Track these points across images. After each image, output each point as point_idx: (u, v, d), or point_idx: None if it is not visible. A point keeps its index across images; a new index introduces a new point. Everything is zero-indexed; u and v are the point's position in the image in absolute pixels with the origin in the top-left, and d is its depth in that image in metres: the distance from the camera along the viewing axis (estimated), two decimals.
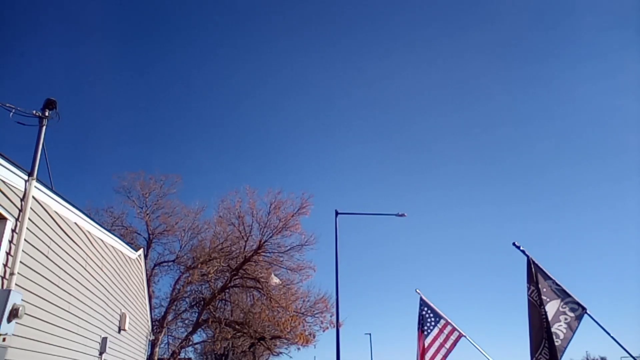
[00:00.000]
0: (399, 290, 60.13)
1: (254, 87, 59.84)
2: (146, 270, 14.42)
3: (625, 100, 54.91)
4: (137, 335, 12.31)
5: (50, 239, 6.29)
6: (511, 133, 64.94)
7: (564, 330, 7.00)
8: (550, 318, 7.06)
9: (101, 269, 8.63)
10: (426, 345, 10.23)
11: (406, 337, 67.64)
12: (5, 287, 5.05)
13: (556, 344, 6.89)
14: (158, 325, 19.67)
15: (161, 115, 52.79)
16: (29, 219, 5.54)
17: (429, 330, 10.38)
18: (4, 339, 4.89)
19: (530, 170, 66.50)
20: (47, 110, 6.21)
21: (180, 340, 21.56)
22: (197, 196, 35.36)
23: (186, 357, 27.68)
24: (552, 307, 7.14)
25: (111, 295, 9.40)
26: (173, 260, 22.25)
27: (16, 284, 5.21)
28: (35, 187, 5.68)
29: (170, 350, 21.58)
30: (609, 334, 6.82)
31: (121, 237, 11.55)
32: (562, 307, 7.13)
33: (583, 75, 61.33)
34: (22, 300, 5.09)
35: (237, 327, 21.17)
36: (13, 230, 5.26)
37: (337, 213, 15.50)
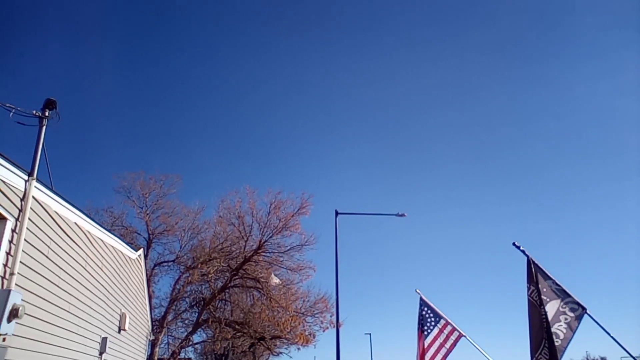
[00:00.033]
0: (399, 290, 60.20)
1: (254, 87, 59.90)
2: (146, 270, 14.42)
3: (625, 100, 54.99)
4: (137, 335, 12.31)
5: (50, 239, 6.29)
6: (511, 133, 65.02)
7: (564, 330, 7.00)
8: (550, 318, 7.06)
9: (101, 269, 8.63)
10: (426, 345, 10.23)
11: (406, 337, 67.71)
12: (5, 287, 5.05)
13: (556, 344, 6.89)
14: (158, 325, 19.67)
15: (161, 115, 52.85)
16: (29, 219, 5.54)
17: (429, 330, 10.38)
18: (4, 339, 4.89)
19: (530, 170, 66.58)
20: (47, 110, 6.21)
21: (180, 340, 21.56)
22: (197, 196, 35.36)
23: (186, 357, 27.68)
24: (552, 307, 7.15)
25: (111, 295, 9.40)
26: (173, 260, 22.26)
27: (16, 284, 5.21)
28: (35, 187, 5.68)
29: (170, 350, 21.59)
30: (609, 334, 6.83)
31: (121, 237, 11.55)
32: (562, 307, 7.13)
33: (583, 75, 61.39)
34: (22, 300, 5.09)
35: (237, 327, 21.17)
36: (13, 230, 5.26)
37: (337, 213, 15.50)
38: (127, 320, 10.53)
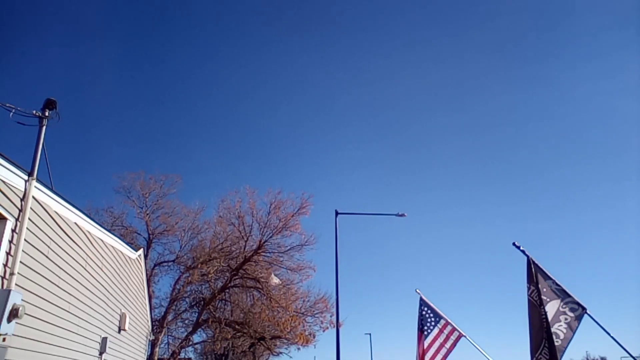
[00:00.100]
0: (399, 290, 60.16)
1: (254, 87, 59.91)
2: (146, 270, 14.42)
3: (625, 100, 54.99)
4: (137, 335, 12.31)
5: (50, 239, 6.29)
6: (511, 133, 65.01)
7: (564, 330, 7.00)
8: (550, 318, 7.06)
9: (101, 269, 8.63)
10: (426, 345, 10.23)
11: (406, 337, 67.69)
12: (5, 287, 5.05)
13: (556, 344, 6.89)
14: (158, 325, 19.67)
15: (161, 115, 52.87)
16: (29, 219, 5.54)
17: (429, 330, 10.38)
18: (4, 339, 4.89)
19: (530, 170, 66.58)
20: (47, 110, 6.21)
21: (180, 340, 21.56)
22: (197, 196, 35.35)
23: (186, 357, 27.68)
24: (552, 307, 7.14)
25: (111, 295, 9.40)
26: (173, 260, 22.26)
27: (16, 284, 5.21)
28: (35, 187, 5.68)
29: (170, 350, 21.59)
30: (609, 334, 6.83)
31: (121, 237, 11.55)
32: (562, 307, 7.13)
33: (583, 75, 61.42)
34: (22, 300, 5.09)
35: (237, 327, 21.17)
36: (13, 230, 5.26)
37: (337, 213, 15.50)
38: (127, 320, 10.53)
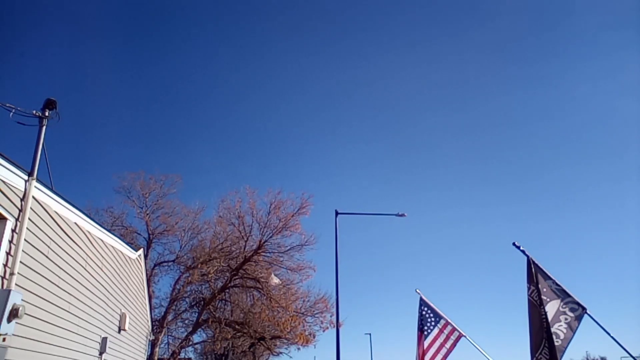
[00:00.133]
0: (399, 290, 60.13)
1: (254, 87, 59.86)
2: (146, 270, 14.42)
3: (625, 100, 54.97)
4: (137, 335, 12.31)
5: (50, 239, 6.29)
6: (511, 133, 64.98)
7: (564, 331, 7.00)
8: (550, 318, 7.06)
9: (101, 269, 8.63)
10: (426, 345, 10.23)
11: (406, 337, 67.72)
12: (5, 287, 5.05)
13: (556, 344, 6.89)
14: (158, 325, 19.67)
15: (161, 115, 52.78)
16: (29, 219, 5.54)
17: (429, 330, 10.38)
18: (4, 339, 4.89)
19: (530, 170, 66.51)
20: (47, 110, 6.21)
21: (180, 340, 21.56)
22: (197, 196, 35.35)
23: (186, 357, 27.68)
24: (552, 307, 7.15)
25: (111, 295, 9.40)
26: (173, 260, 22.27)
27: (16, 284, 5.21)
28: (35, 187, 5.68)
29: (170, 350, 21.59)
30: (609, 334, 6.83)
31: (121, 237, 11.55)
32: (562, 307, 7.13)
33: (583, 75, 61.34)
34: (22, 300, 5.09)
35: (237, 327, 21.17)
36: (13, 230, 5.26)
37: (337, 213, 15.50)
38: (127, 320, 10.53)
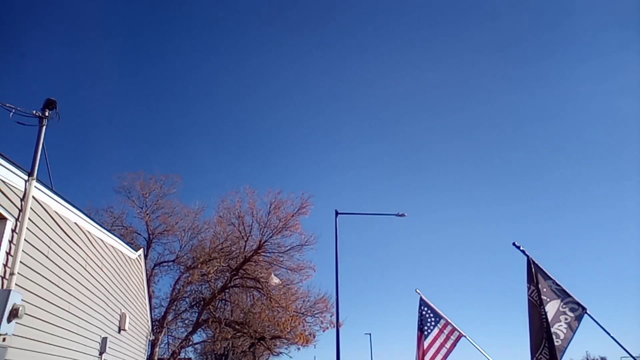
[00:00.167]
0: (399, 290, 60.17)
1: (254, 87, 59.90)
2: (146, 270, 14.42)
3: (625, 100, 54.99)
4: (137, 335, 12.31)
5: (50, 239, 6.29)
6: (511, 133, 64.99)
7: (564, 331, 7.00)
8: (550, 318, 7.06)
9: (101, 269, 8.63)
10: (426, 345, 10.23)
11: (406, 337, 67.66)
12: (5, 287, 5.05)
13: (556, 344, 6.89)
14: (158, 325, 19.67)
15: (161, 115, 52.86)
16: (29, 219, 5.54)
17: (429, 331, 10.38)
18: (4, 339, 4.89)
19: (530, 170, 66.56)
20: (47, 110, 6.21)
21: (180, 340, 21.56)
22: (197, 196, 35.38)
23: (186, 357, 27.67)
24: (552, 307, 7.14)
25: (111, 295, 9.40)
26: (173, 260, 22.26)
27: (16, 284, 5.21)
28: (35, 187, 5.68)
29: (170, 350, 21.59)
30: (609, 334, 6.83)
31: (121, 237, 11.55)
32: (562, 307, 7.13)
33: (583, 75, 61.41)
34: (22, 300, 5.09)
35: (237, 327, 21.17)
36: (13, 230, 5.26)
37: (337, 213, 15.50)
38: (127, 320, 10.53)
